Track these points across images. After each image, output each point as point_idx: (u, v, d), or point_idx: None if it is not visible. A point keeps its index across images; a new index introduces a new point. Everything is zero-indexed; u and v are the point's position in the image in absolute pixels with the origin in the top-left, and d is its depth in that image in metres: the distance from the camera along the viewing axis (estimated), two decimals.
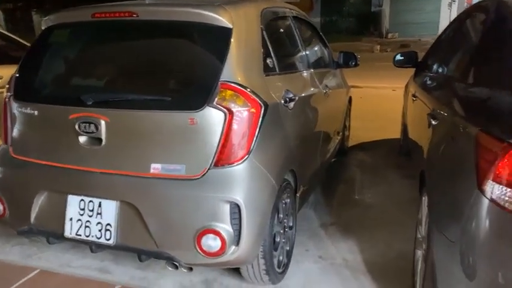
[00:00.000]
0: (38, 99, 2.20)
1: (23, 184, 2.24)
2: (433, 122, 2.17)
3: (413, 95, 3.26)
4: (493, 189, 1.32)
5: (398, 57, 3.80)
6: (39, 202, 2.20)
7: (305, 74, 2.95)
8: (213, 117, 1.93)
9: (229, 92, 1.94)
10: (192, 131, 1.94)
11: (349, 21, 22.30)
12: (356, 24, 21.84)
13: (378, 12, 21.10)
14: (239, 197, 1.92)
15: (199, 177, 1.94)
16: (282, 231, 2.33)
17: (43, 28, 2.37)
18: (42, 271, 2.50)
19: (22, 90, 2.25)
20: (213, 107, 1.92)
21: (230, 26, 2.05)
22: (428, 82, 3.00)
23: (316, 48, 3.60)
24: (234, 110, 1.93)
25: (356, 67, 3.89)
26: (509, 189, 1.29)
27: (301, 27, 3.15)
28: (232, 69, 2.00)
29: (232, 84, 1.96)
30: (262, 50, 2.26)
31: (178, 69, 2.08)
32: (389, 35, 20.35)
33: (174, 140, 1.98)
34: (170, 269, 2.12)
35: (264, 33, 2.35)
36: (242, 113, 1.95)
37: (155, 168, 1.98)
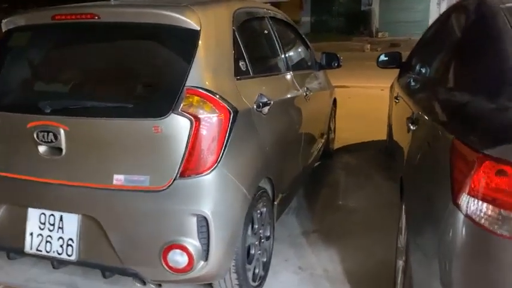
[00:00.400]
0: None
1: None
2: (412, 127, 2.07)
3: (396, 97, 3.17)
4: (469, 204, 1.22)
5: (382, 57, 3.73)
6: None
7: (283, 76, 2.85)
8: (178, 124, 1.81)
9: (195, 98, 1.83)
10: (157, 140, 1.83)
11: (339, 20, 22.22)
12: (346, 24, 21.76)
13: (367, 11, 21.05)
14: (207, 210, 1.81)
15: (164, 188, 1.83)
16: (257, 242, 2.22)
17: (3, 31, 2.24)
18: (6, 287, 2.37)
19: None
20: (178, 114, 1.81)
21: (197, 27, 1.94)
22: (410, 84, 2.91)
23: (296, 50, 3.49)
24: (200, 116, 1.82)
25: (339, 68, 3.81)
26: (485, 204, 1.19)
27: (279, 28, 3.05)
28: (200, 73, 1.89)
29: (199, 90, 1.85)
30: (233, 53, 2.15)
31: (142, 74, 1.96)
32: (380, 34, 20.31)
33: (137, 150, 1.86)
34: (138, 285, 2.01)
35: (237, 34, 2.24)
36: (209, 120, 1.84)
37: (118, 179, 1.86)
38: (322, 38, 18.92)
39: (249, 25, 2.50)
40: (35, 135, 1.94)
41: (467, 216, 1.23)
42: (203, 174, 1.84)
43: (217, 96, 1.88)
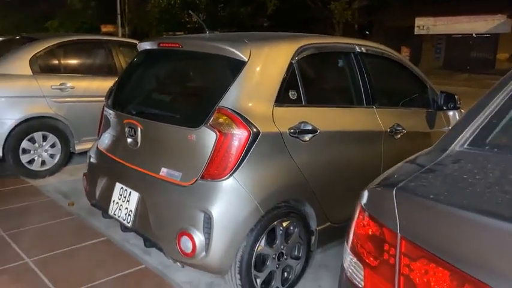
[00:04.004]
0: (113, 106, 2.89)
1: (96, 169, 2.96)
2: None
3: None
4: None
5: None
6: (101, 184, 2.86)
7: (355, 110, 2.88)
8: (206, 136, 2.22)
9: (223, 117, 2.21)
10: (190, 146, 2.28)
11: None
12: None
13: None
14: (212, 210, 2.15)
15: (188, 185, 2.26)
16: (274, 256, 2.41)
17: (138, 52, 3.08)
18: (145, 268, 2.81)
19: (109, 98, 2.98)
20: (207, 128, 2.22)
21: (245, 59, 2.31)
22: None
23: (394, 86, 3.42)
24: (224, 132, 2.19)
25: (455, 110, 3.54)
26: None
27: (372, 63, 3.05)
28: (234, 96, 2.25)
29: (227, 110, 2.21)
30: (282, 82, 2.41)
31: (192, 93, 2.46)
32: None
33: (178, 151, 2.35)
34: (171, 260, 2.47)
35: (295, 67, 2.49)
36: (230, 136, 2.18)
37: (163, 171, 2.39)
38: None
39: (316, 59, 2.70)
40: (126, 129, 2.64)
41: None
42: (218, 180, 2.19)
43: (242, 117, 2.20)
